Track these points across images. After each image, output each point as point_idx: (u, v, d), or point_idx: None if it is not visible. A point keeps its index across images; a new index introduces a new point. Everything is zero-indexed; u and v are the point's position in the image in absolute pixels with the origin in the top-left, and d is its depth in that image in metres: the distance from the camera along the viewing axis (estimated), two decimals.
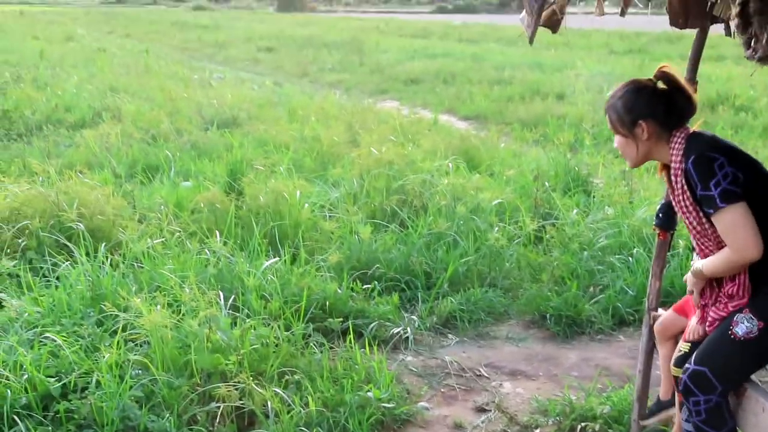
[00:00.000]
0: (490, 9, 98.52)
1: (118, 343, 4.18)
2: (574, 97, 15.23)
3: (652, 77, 3.21)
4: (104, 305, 4.46)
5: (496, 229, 6.44)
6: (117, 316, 4.40)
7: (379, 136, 9.12)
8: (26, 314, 4.60)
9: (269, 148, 9.59)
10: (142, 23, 49.20)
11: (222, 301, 4.68)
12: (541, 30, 3.37)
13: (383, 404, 4.23)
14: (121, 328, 4.30)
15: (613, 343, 5.33)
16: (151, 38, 35.85)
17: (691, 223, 3.17)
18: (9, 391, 3.86)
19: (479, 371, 4.89)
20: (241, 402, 3.98)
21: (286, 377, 4.30)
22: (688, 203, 3.12)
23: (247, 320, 4.59)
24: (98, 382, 3.98)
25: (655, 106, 3.17)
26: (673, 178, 3.18)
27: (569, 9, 3.34)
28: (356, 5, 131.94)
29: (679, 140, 3.15)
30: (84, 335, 4.43)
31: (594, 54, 24.34)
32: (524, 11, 3.17)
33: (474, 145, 9.80)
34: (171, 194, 7.33)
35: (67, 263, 5.27)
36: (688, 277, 3.31)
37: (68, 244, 5.64)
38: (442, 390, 4.69)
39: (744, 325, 3.08)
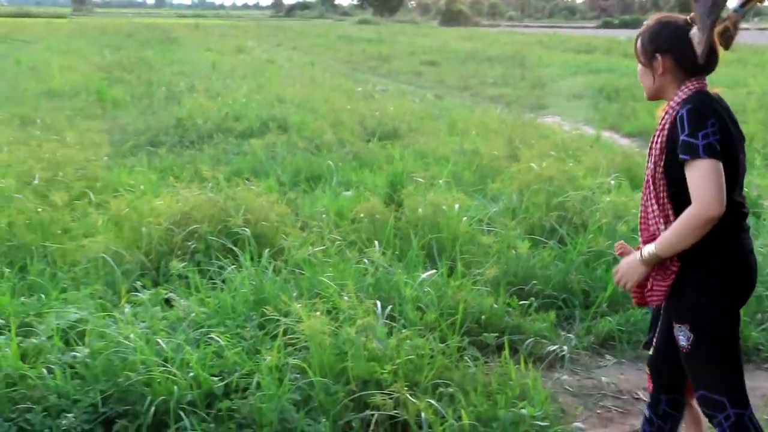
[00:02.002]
0: None
1: (278, 346, 4.30)
2: (745, 115, 14.64)
3: (687, 18, 3.19)
4: (266, 309, 4.60)
5: None
6: (278, 320, 4.53)
7: (540, 151, 9.03)
8: (193, 314, 4.79)
9: (429, 161, 9.68)
10: (309, 36, 50.61)
11: (379, 310, 4.74)
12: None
13: (537, 422, 4.17)
14: (281, 332, 4.42)
15: None
16: (317, 51, 36.85)
17: (648, 168, 3.19)
18: (176, 387, 4.03)
19: (637, 395, 4.76)
20: (396, 411, 4.01)
21: (440, 389, 4.31)
22: (658, 146, 3.14)
23: (403, 330, 4.63)
24: (258, 384, 4.10)
25: (678, 45, 3.16)
26: (663, 116, 3.21)
27: (742, 24, 3.22)
28: (519, 20, 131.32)
29: (688, 89, 3.15)
30: (246, 337, 4.58)
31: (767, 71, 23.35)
32: (694, 28, 3.08)
33: (637, 162, 9.55)
34: (332, 203, 7.49)
35: (232, 267, 5.47)
36: (627, 267, 3.27)
37: (234, 248, 5.84)
38: (598, 411, 4.59)
39: (681, 337, 3.19)
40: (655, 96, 3.30)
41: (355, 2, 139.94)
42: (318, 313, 4.39)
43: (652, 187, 3.18)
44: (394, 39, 45.87)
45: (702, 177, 2.96)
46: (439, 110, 15.27)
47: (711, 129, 2.97)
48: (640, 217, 3.29)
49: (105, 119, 14.07)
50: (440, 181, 8.08)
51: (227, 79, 19.29)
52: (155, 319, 4.70)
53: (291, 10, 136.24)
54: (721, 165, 2.95)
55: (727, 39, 3.12)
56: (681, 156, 3.00)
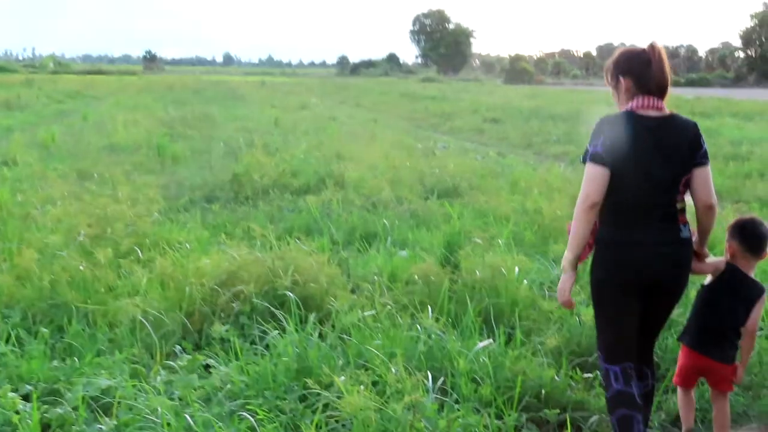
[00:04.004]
0: (725, 83, 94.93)
1: (318, 423, 3.95)
2: None
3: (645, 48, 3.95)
4: (308, 381, 4.26)
5: None
6: (320, 393, 4.19)
7: None
8: (230, 384, 4.48)
9: (489, 220, 9.31)
10: (373, 94, 50.86)
11: (430, 384, 4.38)
12: None
13: None
14: (323, 406, 4.08)
15: None
16: (380, 108, 36.87)
17: None
18: None
19: None
20: None
21: None
22: None
23: (455, 406, 4.26)
24: None
25: (635, 69, 3.95)
26: None
27: None
28: (584, 78, 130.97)
29: (625, 107, 3.96)
30: (286, 411, 4.25)
31: None
32: None
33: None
34: (386, 264, 7.15)
35: (275, 332, 5.16)
36: (559, 285, 4.05)
37: (276, 312, 5.53)
38: None
39: None
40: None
41: (420, 60, 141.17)
42: (362, 387, 4.04)
43: None
44: (457, 96, 45.82)
45: (585, 176, 3.88)
46: (501, 168, 14.92)
47: (600, 140, 3.86)
48: None
49: (163, 174, 13.99)
50: (500, 242, 7.72)
51: (288, 135, 19.23)
52: (190, 388, 4.40)
53: (356, 68, 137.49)
54: (601, 170, 3.83)
55: None
56: (581, 158, 4.00)
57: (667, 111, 3.93)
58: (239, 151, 14.90)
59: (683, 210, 3.96)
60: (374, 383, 4.29)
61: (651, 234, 3.87)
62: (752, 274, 4.37)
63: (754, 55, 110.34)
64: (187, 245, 7.25)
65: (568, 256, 3.96)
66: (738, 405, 5.02)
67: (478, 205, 10.26)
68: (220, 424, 3.93)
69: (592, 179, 3.82)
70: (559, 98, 42.90)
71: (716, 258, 4.38)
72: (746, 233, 4.29)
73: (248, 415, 4.08)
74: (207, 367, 4.98)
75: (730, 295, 4.30)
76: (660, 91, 3.92)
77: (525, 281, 6.32)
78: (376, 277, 6.68)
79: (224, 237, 7.61)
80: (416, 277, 6.30)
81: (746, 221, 4.38)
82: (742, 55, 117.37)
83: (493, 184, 12.27)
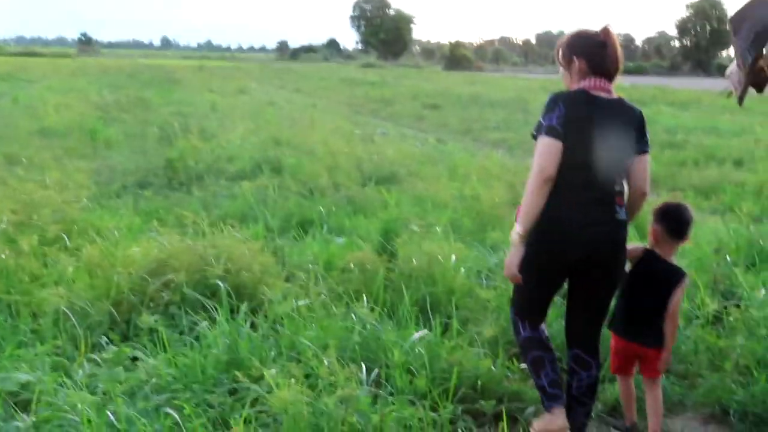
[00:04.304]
0: (661, 72, 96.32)
1: (247, 418, 3.80)
2: (754, 164, 14.24)
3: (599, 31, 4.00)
4: (237, 374, 4.12)
5: None
6: (250, 387, 4.05)
7: None
8: (156, 378, 4.31)
9: (427, 207, 9.23)
10: (313, 79, 50.49)
11: (364, 375, 4.27)
12: (715, 92, 2.89)
13: None
14: (252, 401, 3.94)
15: None
16: (319, 94, 36.58)
17: None
18: None
19: None
20: None
21: None
22: None
23: (390, 398, 4.15)
24: None
25: (589, 50, 3.97)
26: None
27: None
28: (523, 65, 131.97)
29: (578, 85, 3.97)
30: (214, 405, 4.10)
31: None
32: (732, 65, 2.66)
33: (644, 213, 9.08)
34: (322, 252, 7.01)
35: (204, 323, 4.99)
36: (507, 258, 4.01)
37: (206, 303, 5.36)
38: None
39: None
40: None
41: (360, 46, 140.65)
42: (293, 380, 3.90)
43: None
44: (397, 82, 45.71)
45: (538, 150, 3.84)
46: (440, 154, 14.85)
47: (556, 114, 3.81)
48: None
49: (95, 159, 13.64)
50: (438, 229, 7.63)
51: (225, 120, 18.93)
52: (114, 382, 4.22)
53: (296, 54, 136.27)
54: (556, 143, 3.79)
55: (763, 80, 2.76)
56: (532, 132, 3.94)
57: (615, 94, 3.98)
58: (174, 136, 14.59)
59: (622, 193, 3.99)
60: (306, 376, 4.15)
61: (590, 214, 3.88)
62: (674, 259, 4.41)
63: (689, 45, 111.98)
64: (115, 233, 7.00)
65: (518, 229, 3.91)
66: (674, 394, 4.99)
67: (416, 192, 10.18)
68: (144, 420, 3.76)
69: (547, 152, 3.79)
70: (499, 85, 43.07)
71: (635, 244, 4.39)
72: (671, 217, 4.32)
73: (173, 412, 3.91)
74: (135, 359, 4.81)
75: (650, 280, 4.32)
76: (611, 75, 3.98)
77: (462, 269, 6.23)
78: (311, 265, 6.54)
79: (156, 224, 7.39)
80: (352, 265, 6.18)
81: (671, 206, 4.43)
82: (677, 44, 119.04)
83: (432, 171, 12.20)
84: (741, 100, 2.73)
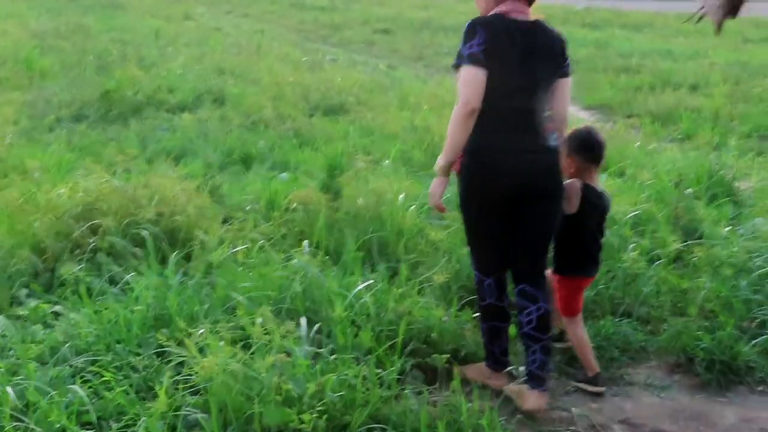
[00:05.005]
0: None
1: (167, 387, 3.42)
2: (709, 88, 13.98)
3: None
4: (160, 335, 3.73)
5: (632, 246, 5.46)
6: (178, 346, 3.68)
7: None
8: (75, 339, 3.92)
9: (375, 138, 8.83)
10: (262, 3, 48.94)
11: (304, 331, 3.92)
12: (669, 14, 2.56)
13: None
14: (177, 365, 3.58)
15: None
16: (268, 18, 35.53)
17: None
18: None
19: (613, 430, 3.98)
20: None
21: None
22: None
23: (332, 357, 3.80)
24: None
25: None
26: None
27: None
28: None
29: (493, 11, 3.82)
30: (139, 368, 3.72)
31: (727, 42, 22.60)
32: None
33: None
34: (264, 190, 6.58)
35: (132, 274, 4.59)
36: (431, 186, 3.96)
37: (133, 251, 4.96)
38: None
39: None
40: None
41: None
42: (222, 342, 3.53)
43: None
44: (348, 7, 44.48)
45: (462, 80, 3.70)
46: (391, 81, 14.34)
47: (477, 41, 3.65)
48: None
49: (30, 90, 12.94)
50: (387, 162, 7.26)
51: (168, 48, 18.14)
52: (27, 344, 3.83)
53: None
54: (480, 71, 3.65)
55: (736, 5, 2.46)
56: (454, 63, 3.78)
57: (532, 17, 3.88)
58: (113, 66, 13.90)
59: (551, 117, 3.91)
60: (240, 338, 3.78)
61: (520, 141, 3.79)
62: (599, 184, 4.31)
63: None
64: (35, 174, 6.49)
65: (441, 162, 3.87)
66: (635, 341, 4.71)
67: (365, 123, 9.76)
68: (53, 392, 3.37)
69: (472, 82, 3.67)
70: (451, 9, 42.21)
71: (568, 180, 4.15)
72: (589, 144, 4.20)
73: (92, 377, 3.54)
74: (58, 314, 4.42)
75: (596, 212, 4.23)
76: None
77: (412, 207, 5.85)
78: (252, 205, 6.15)
79: (89, 161, 6.92)
80: (295, 205, 5.78)
81: (584, 132, 4.28)
82: None
83: (382, 100, 11.74)
84: (719, 27, 2.41)
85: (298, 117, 10.00)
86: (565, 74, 3.95)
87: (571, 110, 12.23)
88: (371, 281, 4.51)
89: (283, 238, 5.39)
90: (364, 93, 12.12)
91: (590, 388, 4.26)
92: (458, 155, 3.85)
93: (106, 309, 4.24)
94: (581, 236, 4.19)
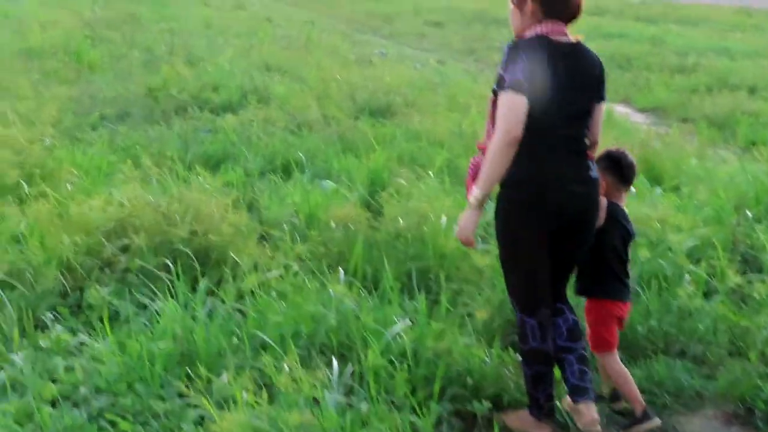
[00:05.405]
0: None
1: None
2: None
3: None
4: (184, 380, 3.53)
5: (688, 278, 5.14)
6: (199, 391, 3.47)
7: None
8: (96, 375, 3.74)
9: (422, 144, 8.56)
10: None
11: (336, 375, 3.69)
12: (724, 8, 2.26)
13: None
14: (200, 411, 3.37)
15: None
16: (318, 9, 35.37)
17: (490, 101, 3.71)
18: None
19: None
20: None
21: None
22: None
23: (363, 406, 3.57)
24: None
25: None
26: None
27: None
28: None
29: (534, 32, 3.63)
30: (160, 414, 3.52)
31: None
32: None
33: (655, 151, 8.42)
34: (304, 202, 6.34)
35: (158, 303, 4.40)
36: (462, 220, 3.73)
37: (162, 276, 4.76)
38: None
39: None
40: (521, 35, 3.69)
41: None
42: (245, 392, 3.32)
43: (490, 123, 3.66)
44: None
45: (503, 107, 3.51)
46: (440, 78, 14.01)
47: (520, 66, 3.48)
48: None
49: (77, 84, 12.86)
50: (430, 173, 6.99)
51: (218, 39, 18.03)
52: (44, 380, 3.66)
53: None
54: (521, 99, 3.47)
55: None
56: (494, 88, 3.61)
57: (573, 38, 3.72)
58: (160, 60, 13.79)
59: (591, 146, 3.85)
60: (266, 384, 3.56)
61: (566, 171, 3.67)
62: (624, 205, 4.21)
63: None
64: (69, 186, 6.31)
65: (477, 194, 3.63)
66: (689, 387, 4.39)
67: (411, 126, 9.48)
68: None
69: (514, 110, 3.50)
70: (504, 0, 41.79)
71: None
72: (622, 165, 4.11)
73: (108, 425, 3.35)
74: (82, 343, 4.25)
75: (620, 231, 4.08)
76: (570, 18, 3.69)
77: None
78: (290, 219, 5.96)
79: (130, 164, 6.79)
80: (334, 225, 5.56)
81: (619, 153, 4.16)
82: None
83: (430, 99, 11.43)
84: None
85: (343, 119, 9.75)
86: (602, 98, 3.84)
87: (625, 112, 11.95)
88: (409, 323, 4.21)
89: (318, 261, 5.16)
90: (413, 92, 11.80)
91: (645, 427, 3.98)
92: (493, 187, 3.68)
93: (134, 339, 4.05)
94: (603, 251, 4.01)
